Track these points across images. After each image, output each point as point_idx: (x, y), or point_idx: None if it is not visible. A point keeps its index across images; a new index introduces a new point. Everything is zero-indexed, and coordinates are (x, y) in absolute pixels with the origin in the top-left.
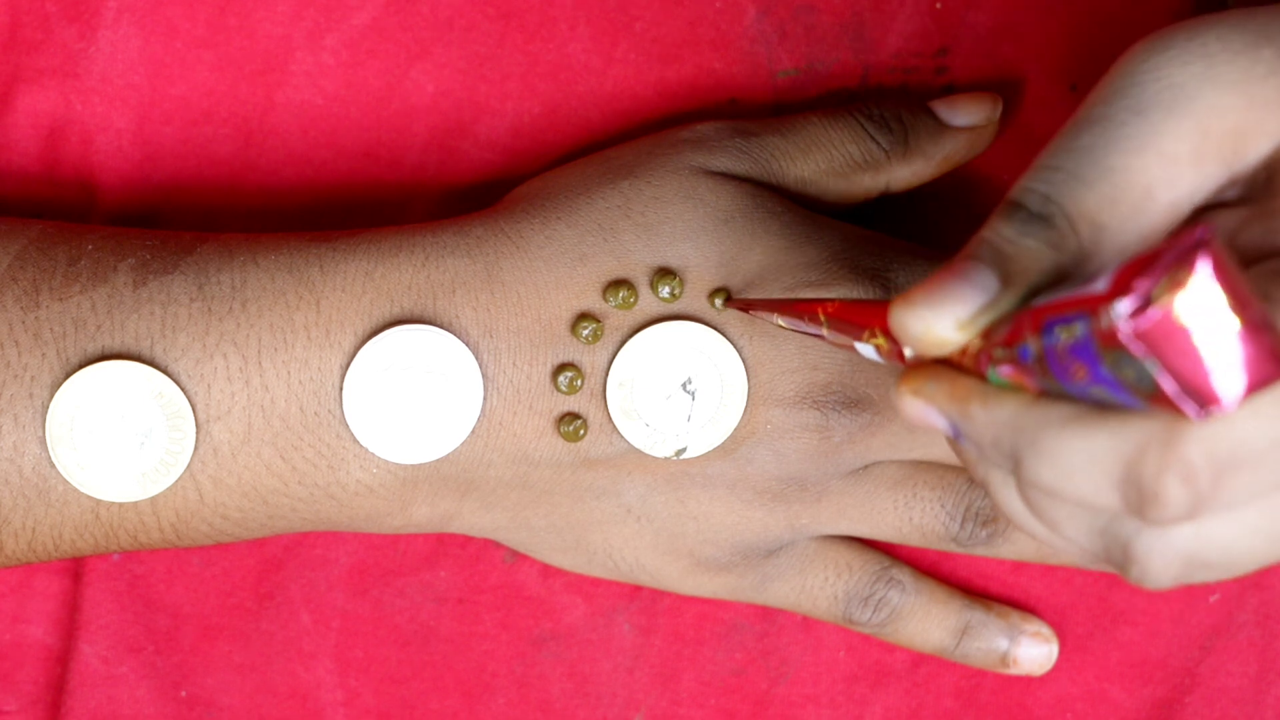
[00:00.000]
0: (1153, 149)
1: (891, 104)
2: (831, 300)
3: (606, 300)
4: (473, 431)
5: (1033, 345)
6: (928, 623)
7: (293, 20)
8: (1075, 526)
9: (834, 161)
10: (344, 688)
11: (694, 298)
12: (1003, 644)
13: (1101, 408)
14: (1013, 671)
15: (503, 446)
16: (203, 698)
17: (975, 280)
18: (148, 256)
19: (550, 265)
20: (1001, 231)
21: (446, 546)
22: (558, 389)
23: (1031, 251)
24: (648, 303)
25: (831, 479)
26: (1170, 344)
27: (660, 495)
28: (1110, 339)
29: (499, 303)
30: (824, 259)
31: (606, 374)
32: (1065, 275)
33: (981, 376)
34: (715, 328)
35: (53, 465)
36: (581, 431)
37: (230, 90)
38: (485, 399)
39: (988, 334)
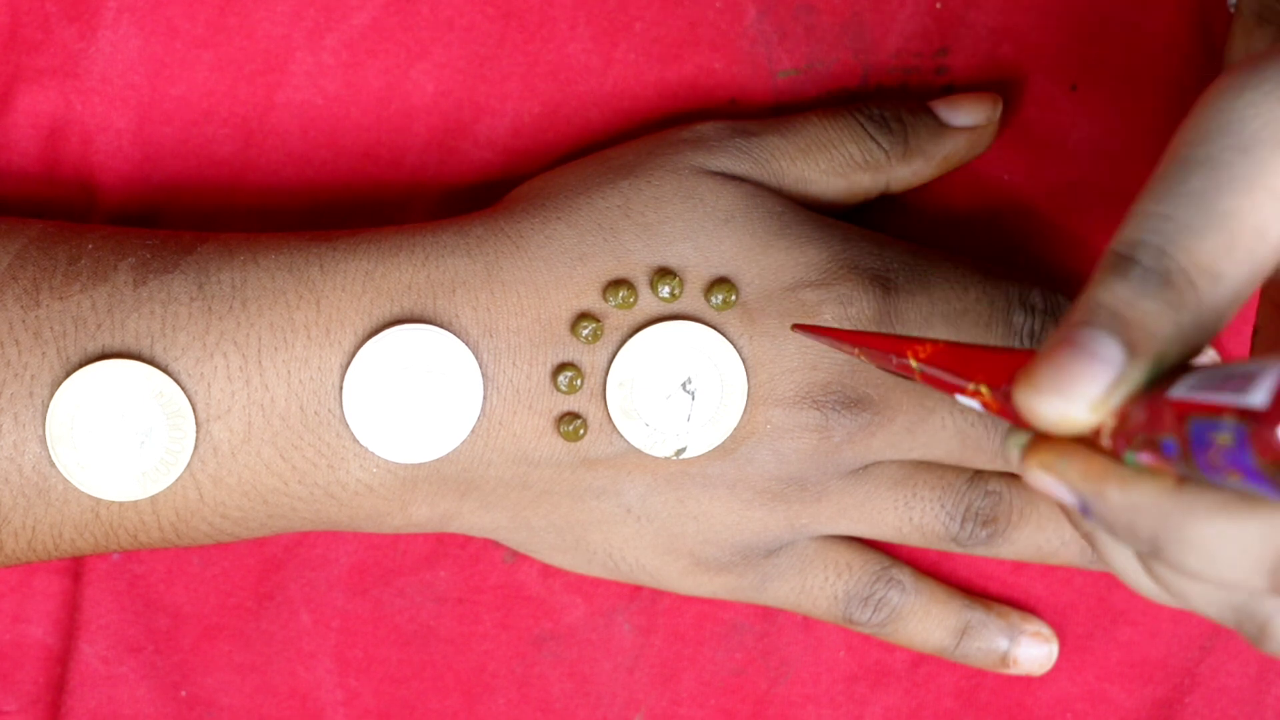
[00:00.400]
0: (1262, 188)
1: (891, 104)
2: (926, 341)
3: (606, 300)
4: (473, 431)
5: (1176, 440)
6: (928, 623)
7: (293, 20)
8: (1208, 601)
9: (834, 161)
10: (344, 688)
11: (694, 297)
12: (1003, 644)
13: (1250, 497)
14: (1013, 671)
15: (502, 446)
16: (203, 698)
17: (1101, 354)
18: (148, 256)
19: (550, 265)
20: (1118, 293)
21: (446, 546)
22: (557, 389)
23: (1153, 314)
24: (647, 302)
25: (831, 479)
26: None
27: (660, 495)
28: (1271, 453)
29: (499, 302)
30: (824, 259)
31: (606, 374)
32: (1188, 339)
33: (1116, 456)
34: (715, 327)
35: (53, 464)
36: (581, 431)
37: (230, 90)
38: (485, 398)
39: (1123, 414)
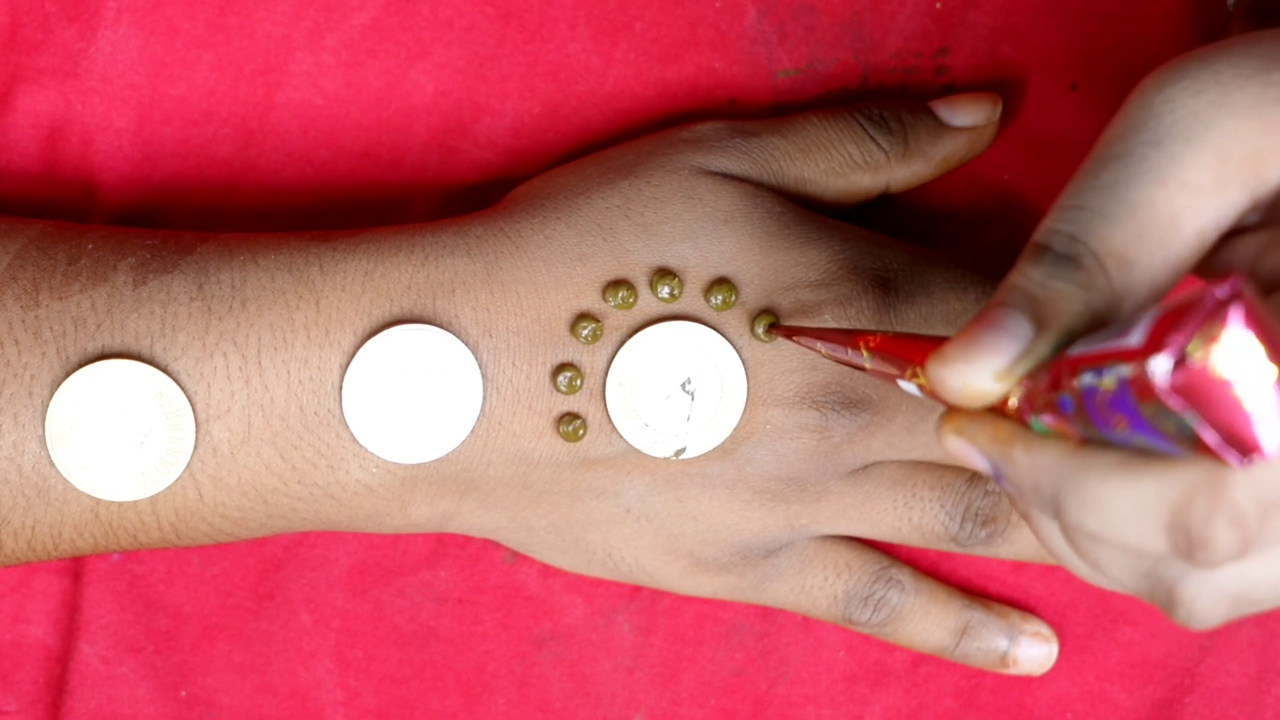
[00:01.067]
0: (1174, 180)
1: (891, 104)
2: (875, 333)
3: (606, 300)
4: (472, 431)
5: (1071, 396)
6: (927, 623)
7: (293, 20)
8: (1119, 568)
9: (833, 161)
10: (344, 688)
11: (693, 298)
12: (1003, 644)
13: (1144, 454)
14: (1013, 671)
15: (502, 446)
16: (203, 698)
17: (1008, 328)
18: (148, 256)
19: (550, 265)
20: (1030, 275)
21: (446, 547)
22: (557, 389)
23: (1063, 293)
24: (647, 303)
25: (831, 479)
26: (1209, 397)
27: (659, 495)
28: (1148, 393)
29: (498, 303)
30: (823, 259)
31: (606, 374)
32: (1098, 316)
33: (1023, 422)
34: (714, 328)
35: (52, 464)
36: (581, 431)
37: (230, 90)
38: (485, 399)
39: (1027, 384)
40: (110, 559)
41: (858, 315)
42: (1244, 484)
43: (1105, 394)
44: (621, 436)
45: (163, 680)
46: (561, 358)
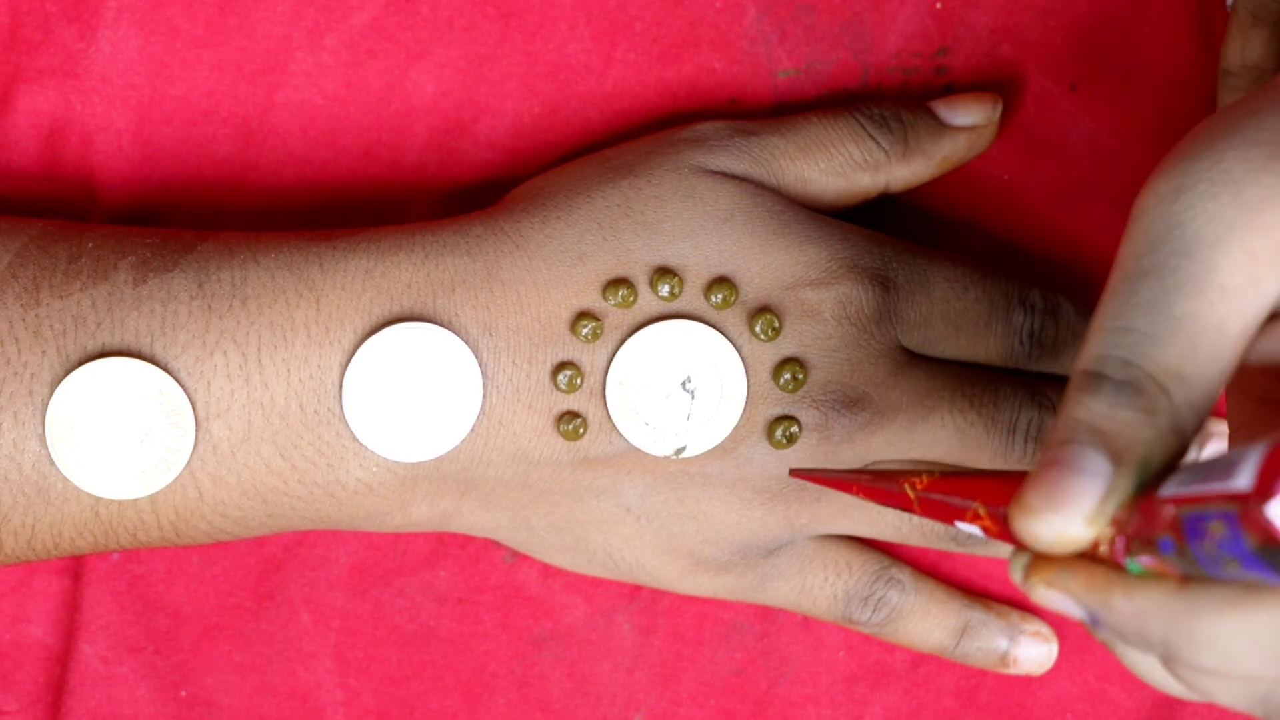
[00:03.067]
0: (1213, 286)
1: (891, 104)
2: (919, 474)
3: (606, 299)
4: (472, 430)
5: (1172, 537)
6: (927, 622)
7: (293, 20)
8: (1232, 695)
9: (834, 161)
10: (344, 688)
11: (693, 296)
12: (1003, 644)
13: (1255, 587)
14: (1013, 671)
15: (502, 445)
16: (203, 698)
17: (1087, 468)
18: (148, 254)
19: (550, 264)
20: (1092, 408)
21: (447, 546)
22: (557, 387)
23: (1131, 422)
24: (647, 301)
25: None
26: None
27: (659, 494)
28: (1266, 536)
29: (498, 301)
30: (823, 258)
31: (606, 373)
32: (1167, 439)
33: (1118, 564)
34: (715, 326)
35: (52, 463)
36: (581, 430)
37: (230, 90)
38: (485, 397)
39: (1119, 522)
40: (110, 559)
41: (857, 314)
42: None
43: (1215, 537)
44: (621, 435)
45: (163, 680)
46: (561, 356)
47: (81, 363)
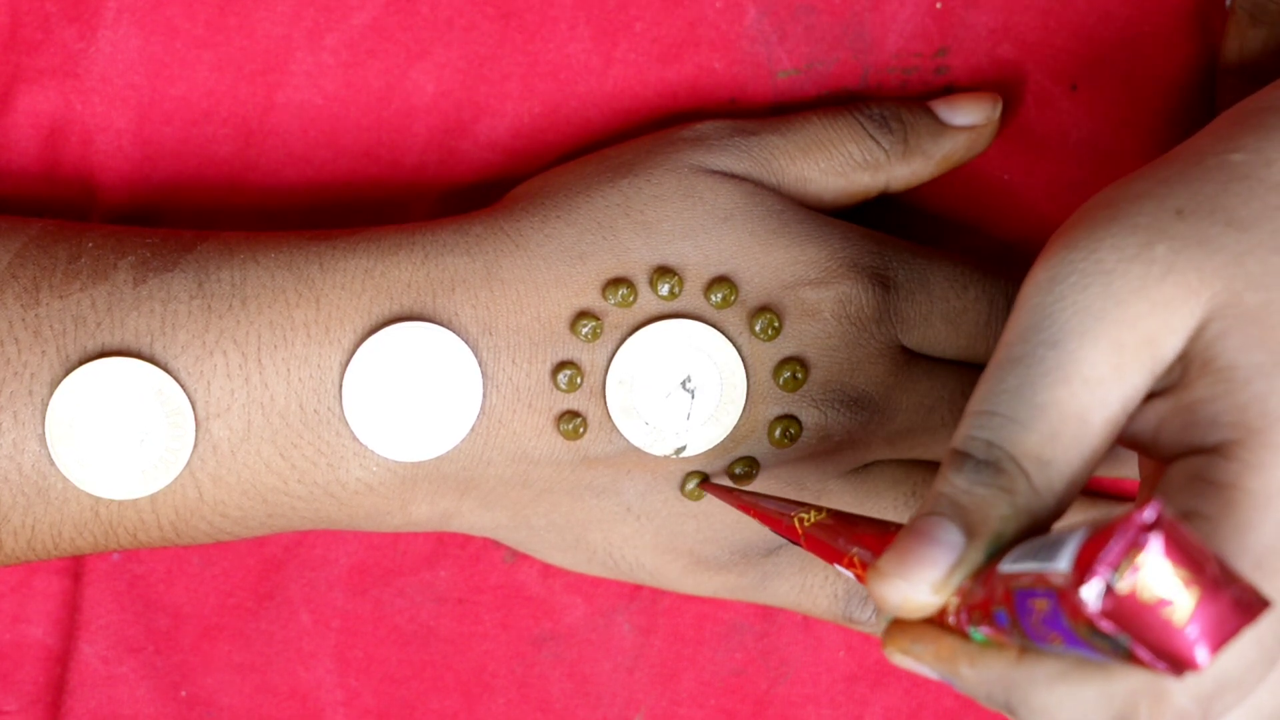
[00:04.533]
0: (1076, 378)
1: (891, 104)
2: (813, 509)
3: (606, 298)
4: (472, 429)
5: (1006, 611)
6: None
7: (293, 20)
8: None
9: (834, 161)
10: (344, 688)
11: (693, 296)
12: None
13: (1085, 662)
14: None
15: (502, 444)
16: (203, 698)
17: (940, 539)
18: (148, 254)
19: (550, 263)
20: (955, 483)
21: (446, 546)
22: (557, 387)
23: (987, 500)
24: (647, 301)
25: (831, 478)
26: (1137, 620)
27: (660, 494)
28: (1080, 617)
29: (498, 301)
30: (823, 257)
31: (606, 372)
32: (1024, 517)
33: (963, 633)
34: (714, 326)
35: (52, 463)
36: (581, 430)
37: (230, 90)
38: (485, 397)
39: (965, 592)
40: (110, 559)
41: (857, 313)
42: (1183, 687)
43: (1039, 613)
44: (621, 435)
45: (163, 680)
46: (561, 356)
47: (81, 363)
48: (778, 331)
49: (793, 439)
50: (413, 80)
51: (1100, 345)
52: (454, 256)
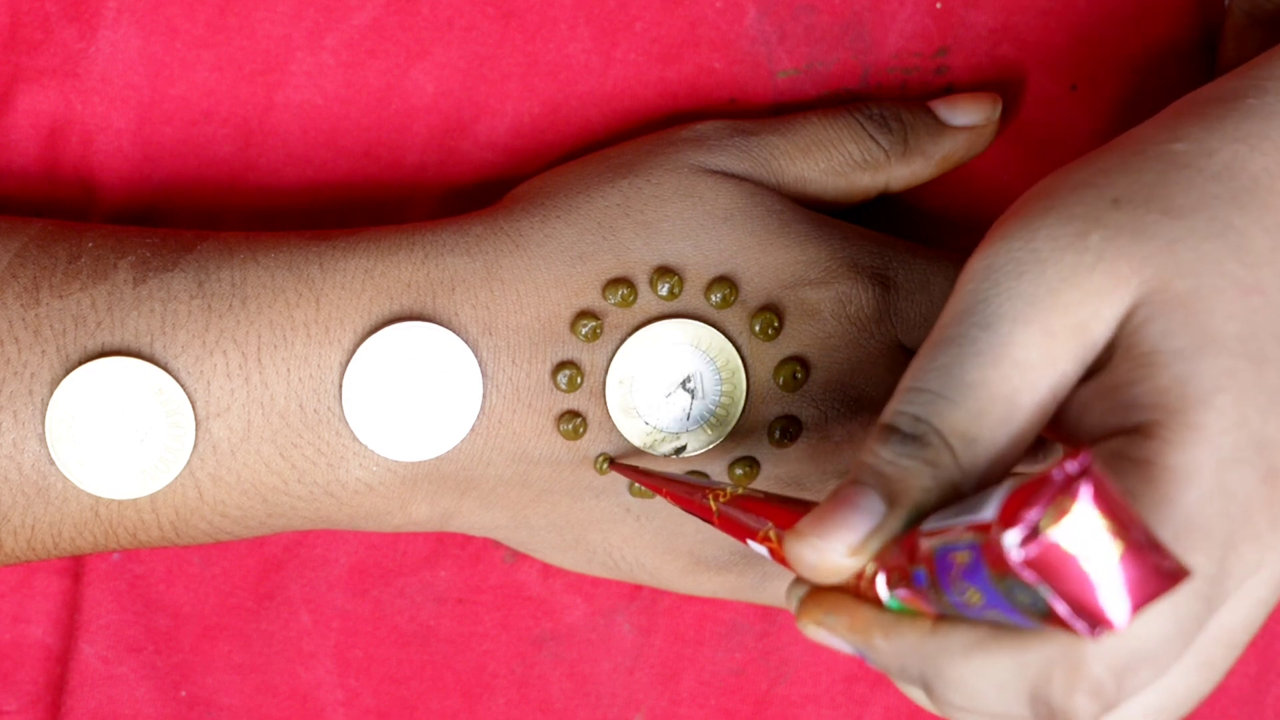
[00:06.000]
0: (1006, 360)
1: (891, 104)
2: (724, 489)
3: (606, 298)
4: (472, 429)
5: (925, 568)
6: None
7: (293, 20)
8: None
9: (833, 161)
10: (344, 688)
11: (693, 296)
12: None
13: (1000, 629)
14: None
15: (502, 444)
16: (203, 698)
17: (861, 505)
18: (148, 254)
19: (550, 263)
20: (880, 454)
21: (446, 546)
22: (557, 387)
23: (910, 471)
24: (647, 301)
25: (831, 478)
26: (1059, 570)
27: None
28: (1001, 566)
29: (498, 300)
30: (823, 257)
31: (606, 372)
32: (946, 491)
33: (878, 601)
34: (715, 326)
35: (52, 462)
36: (581, 430)
37: (230, 90)
38: (485, 397)
39: (881, 558)
40: (110, 559)
41: (857, 313)
42: (1098, 655)
43: (959, 566)
44: (622, 435)
45: (163, 680)
46: (562, 356)
47: (81, 362)
48: (778, 331)
49: (793, 439)
50: (413, 80)
51: (1032, 330)
52: (454, 256)
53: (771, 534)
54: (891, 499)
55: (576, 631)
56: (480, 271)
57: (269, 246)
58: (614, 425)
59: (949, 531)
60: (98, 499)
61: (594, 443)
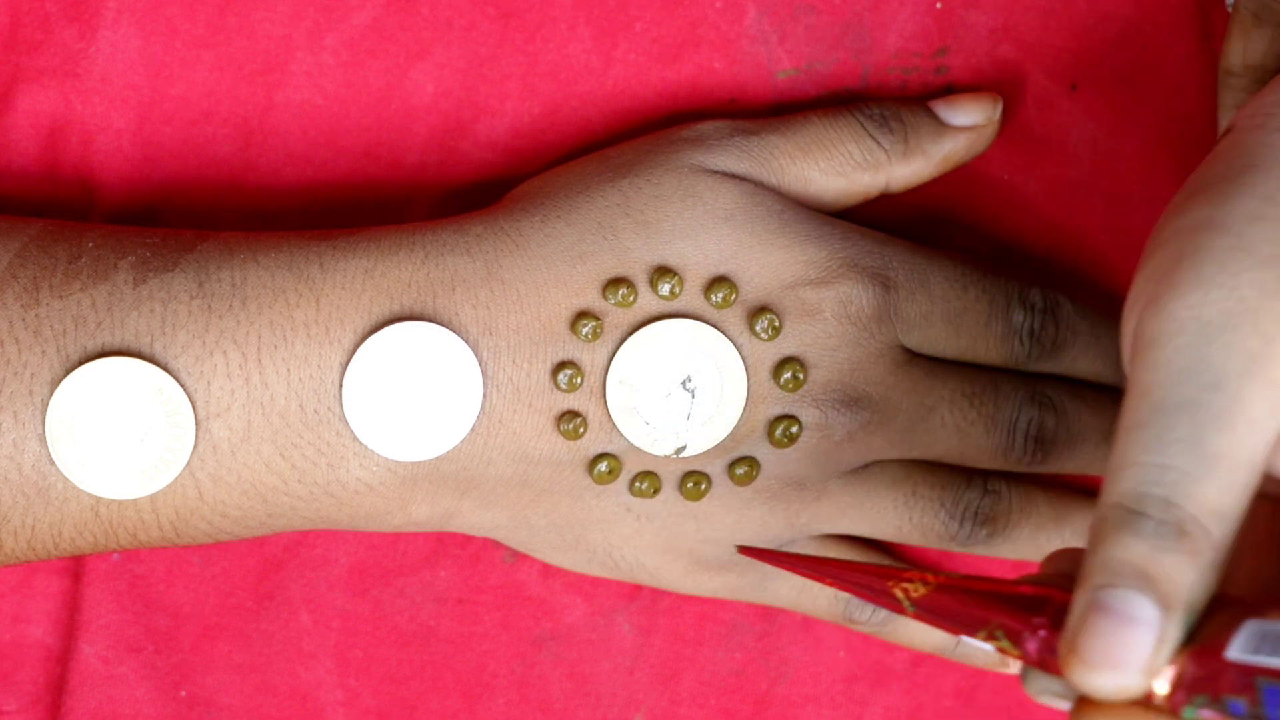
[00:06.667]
0: (1241, 421)
1: (892, 103)
2: (912, 578)
3: (606, 298)
4: (472, 429)
5: (1245, 703)
6: None
7: (293, 20)
8: None
9: (834, 161)
10: (344, 688)
11: (693, 296)
12: None
13: None
14: (1013, 671)
15: (502, 444)
16: (203, 698)
17: (1139, 617)
18: (148, 254)
19: (550, 263)
20: (1136, 550)
21: (446, 546)
22: (557, 387)
23: (1177, 566)
24: (647, 301)
25: (831, 478)
26: None
27: (660, 494)
28: None
29: (498, 300)
30: (824, 257)
31: (606, 372)
32: (1208, 579)
33: (1174, 713)
34: (714, 325)
35: (52, 462)
36: (581, 429)
37: (230, 90)
38: (485, 397)
39: (1175, 670)
40: (110, 559)
41: (858, 313)
42: None
43: None
44: (622, 434)
45: (163, 680)
46: (562, 355)
47: (81, 362)
48: (778, 331)
49: (793, 439)
50: (413, 80)
51: (1259, 386)
52: (454, 256)
53: (1000, 635)
54: (1165, 602)
55: (576, 631)
56: (480, 271)
57: (269, 246)
58: (614, 425)
59: (1272, 670)
60: (98, 499)
61: (594, 442)
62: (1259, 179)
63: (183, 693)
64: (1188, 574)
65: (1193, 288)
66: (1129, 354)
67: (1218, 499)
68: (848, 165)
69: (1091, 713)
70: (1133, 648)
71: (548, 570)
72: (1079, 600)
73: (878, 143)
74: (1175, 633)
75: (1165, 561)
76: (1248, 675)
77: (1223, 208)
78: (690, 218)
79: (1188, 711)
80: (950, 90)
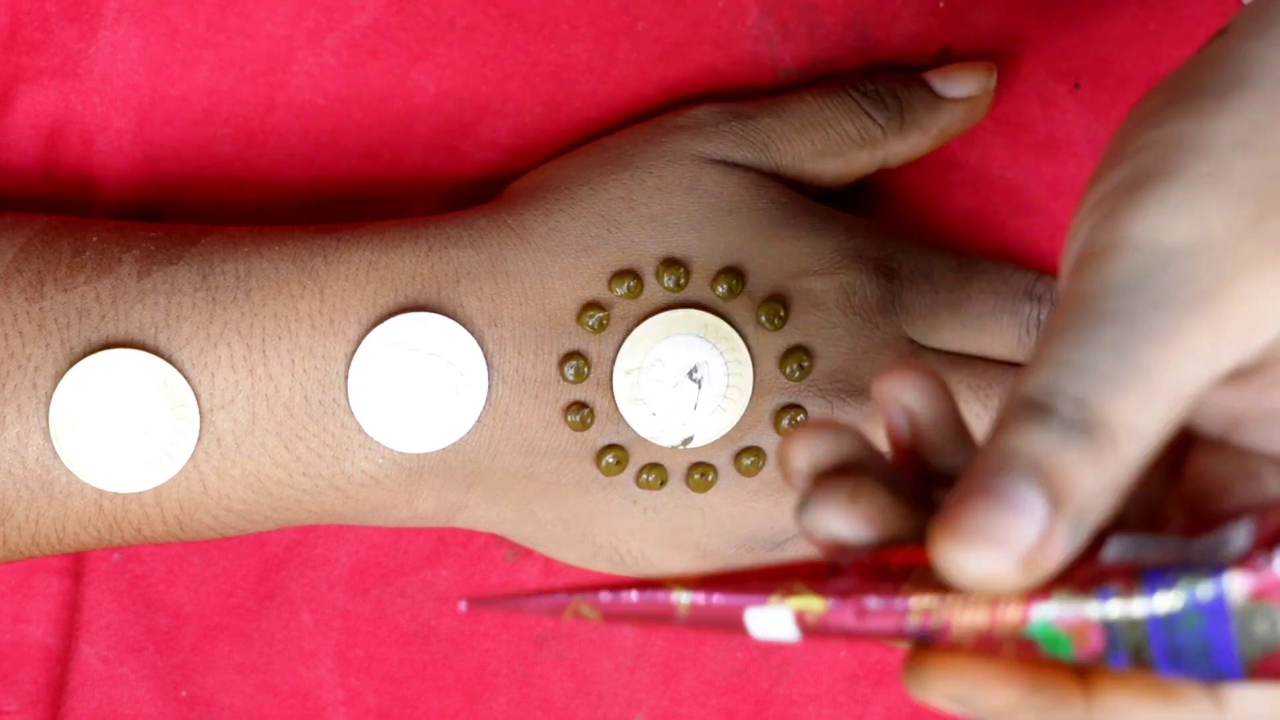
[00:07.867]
0: (1179, 345)
1: (886, 78)
2: (689, 577)
3: (612, 290)
4: (479, 421)
5: (1117, 588)
6: None
7: (294, 20)
8: None
9: (830, 140)
10: (345, 687)
11: (699, 287)
12: None
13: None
14: None
15: (509, 436)
16: (203, 698)
17: (1022, 504)
18: (152, 248)
19: (555, 256)
20: (1036, 440)
21: (448, 546)
22: (564, 378)
23: (1076, 467)
24: (653, 292)
25: None
26: None
27: (666, 486)
28: (1267, 593)
29: (504, 292)
30: (828, 248)
31: (613, 363)
32: (1108, 499)
33: (1024, 622)
34: (721, 315)
35: (56, 456)
36: (589, 420)
37: (231, 90)
38: (491, 388)
39: (1028, 595)
40: (111, 559)
41: (861, 303)
42: None
43: (1198, 599)
44: (629, 425)
45: (163, 680)
46: (568, 346)
47: (85, 355)
48: (784, 321)
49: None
50: (414, 80)
51: (1205, 318)
52: (458, 249)
53: (796, 588)
54: (1056, 499)
55: (577, 631)
56: (485, 264)
57: (273, 239)
58: (621, 416)
59: (1164, 561)
60: (102, 493)
61: (601, 434)
62: (1249, 100)
63: (183, 693)
64: (1087, 478)
65: (1156, 210)
66: (1070, 266)
67: (1135, 414)
68: (844, 144)
69: (929, 661)
70: (1012, 529)
71: (550, 569)
72: (960, 486)
73: (873, 119)
74: (1061, 540)
75: (1065, 459)
76: (1126, 569)
77: (1205, 125)
78: (695, 210)
79: (1039, 622)
80: None
